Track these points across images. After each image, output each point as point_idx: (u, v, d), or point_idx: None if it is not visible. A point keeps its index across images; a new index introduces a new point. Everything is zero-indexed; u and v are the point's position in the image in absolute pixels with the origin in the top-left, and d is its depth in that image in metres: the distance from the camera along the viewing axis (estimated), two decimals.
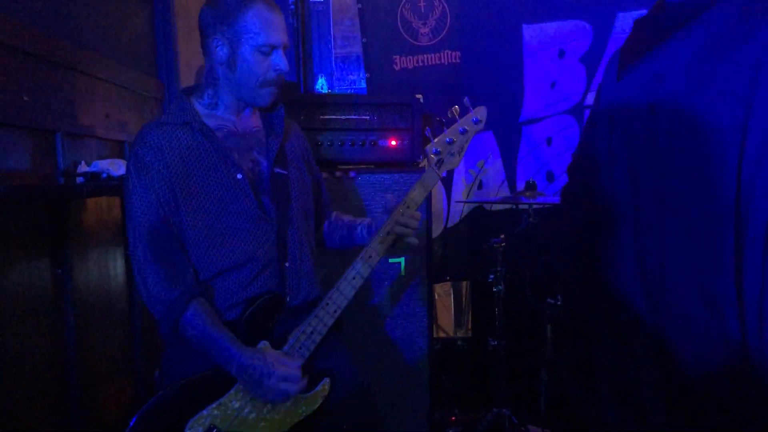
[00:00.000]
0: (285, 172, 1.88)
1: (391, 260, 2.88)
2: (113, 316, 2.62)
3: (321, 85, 3.82)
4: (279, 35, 1.79)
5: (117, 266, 2.64)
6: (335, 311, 1.81)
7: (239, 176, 1.79)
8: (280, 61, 1.80)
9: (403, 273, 2.89)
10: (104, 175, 2.33)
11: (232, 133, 1.84)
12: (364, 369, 2.73)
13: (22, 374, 1.97)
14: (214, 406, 1.71)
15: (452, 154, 1.85)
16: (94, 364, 2.42)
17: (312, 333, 1.79)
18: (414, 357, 2.89)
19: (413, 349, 2.90)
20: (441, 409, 3.43)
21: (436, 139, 1.85)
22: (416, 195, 1.83)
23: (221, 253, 1.77)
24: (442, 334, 4.06)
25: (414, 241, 1.84)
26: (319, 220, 2.15)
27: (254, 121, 1.91)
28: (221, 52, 1.78)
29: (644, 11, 3.60)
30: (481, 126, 1.86)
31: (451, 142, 1.84)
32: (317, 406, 1.80)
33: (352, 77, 3.88)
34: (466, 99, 1.85)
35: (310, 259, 1.94)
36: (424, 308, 2.90)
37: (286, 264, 1.83)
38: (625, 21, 3.68)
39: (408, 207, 1.82)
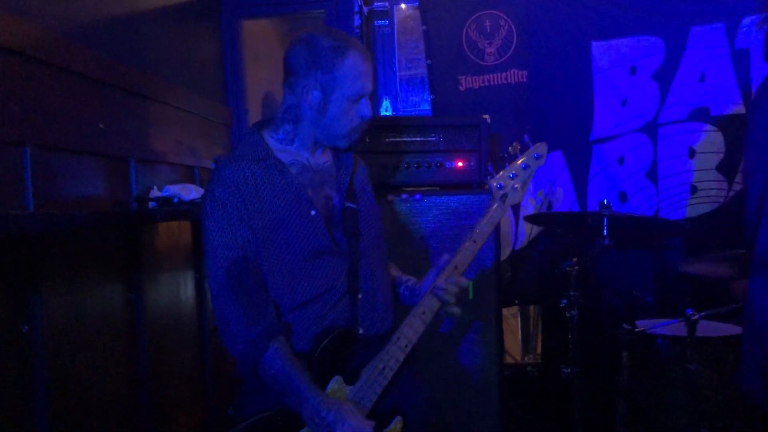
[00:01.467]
0: (355, 206, 1.88)
1: None
2: (184, 341, 2.64)
3: (386, 107, 3.82)
4: (370, 84, 1.81)
5: (188, 290, 2.67)
6: (406, 346, 1.79)
7: (313, 213, 1.79)
8: (366, 109, 1.82)
9: (471, 297, 2.83)
10: (175, 200, 2.37)
11: (305, 169, 1.84)
12: (434, 397, 2.69)
13: (96, 399, 1.99)
14: None
15: (515, 189, 1.90)
16: (166, 389, 2.44)
17: (384, 369, 1.77)
18: (484, 384, 2.81)
19: (483, 376, 2.82)
20: None
21: (498, 174, 1.90)
22: (483, 231, 1.87)
23: (297, 289, 1.76)
24: (510, 360, 3.96)
25: (457, 311, 1.85)
26: None
27: (326, 157, 1.92)
28: (312, 95, 1.78)
29: (720, 25, 3.51)
30: (542, 161, 1.92)
31: (514, 177, 1.90)
32: None
33: (415, 99, 3.87)
34: (525, 137, 1.96)
35: (384, 289, 1.92)
36: (494, 334, 2.82)
37: (359, 296, 1.82)
38: (699, 36, 3.54)
39: (456, 268, 1.84)
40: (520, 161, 1.89)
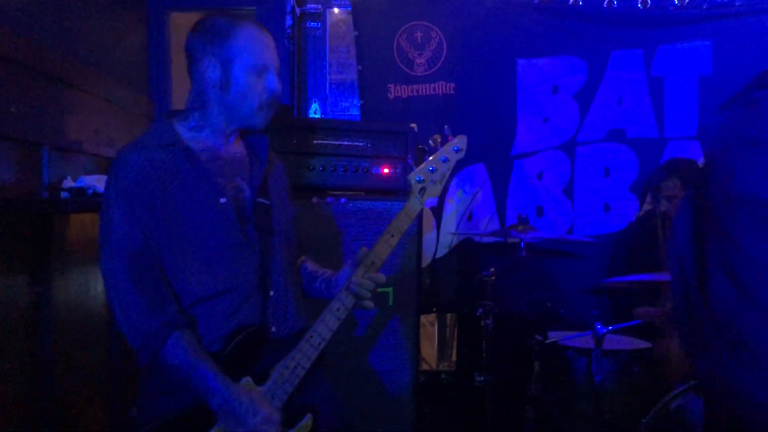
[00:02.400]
0: (268, 202, 1.84)
1: (379, 290, 2.83)
2: (92, 337, 2.54)
3: (314, 110, 3.80)
4: (272, 55, 1.78)
5: (98, 285, 2.57)
6: (319, 344, 1.76)
7: (223, 200, 1.73)
8: (274, 82, 1.78)
9: (390, 303, 2.84)
10: (90, 191, 2.28)
11: (216, 157, 1.79)
12: (348, 401, 2.68)
13: None
14: None
15: (434, 182, 1.87)
16: (70, 386, 2.34)
17: (296, 367, 1.73)
18: (399, 389, 2.82)
19: (398, 382, 2.83)
20: None
21: (418, 168, 1.87)
22: (400, 224, 1.83)
23: (202, 280, 1.70)
24: (425, 366, 4.00)
25: (369, 304, 1.82)
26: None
27: (238, 147, 1.87)
28: (213, 73, 1.74)
29: (639, 51, 3.68)
30: (461, 154, 1.89)
31: (433, 171, 1.86)
32: None
33: (345, 104, 3.87)
34: (446, 128, 1.90)
35: (295, 289, 1.89)
36: (411, 340, 2.85)
37: (271, 294, 1.78)
38: (619, 60, 3.71)
39: (374, 263, 1.81)
40: (440, 154, 1.86)
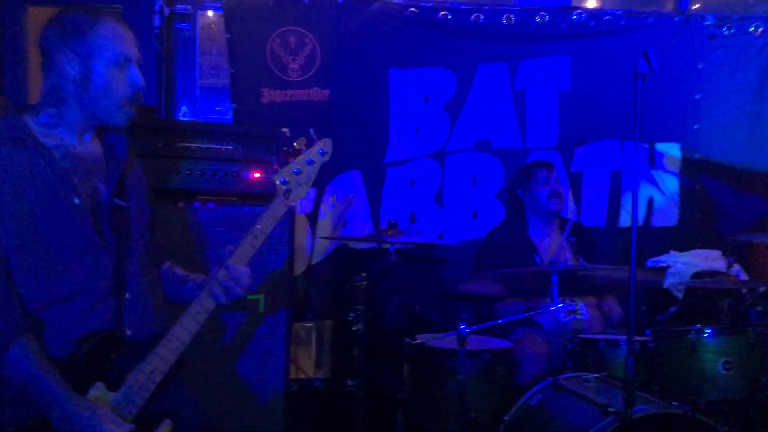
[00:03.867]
0: (125, 204, 1.80)
1: (249, 297, 2.78)
2: None
3: (183, 113, 3.69)
4: (133, 48, 1.76)
5: None
6: (177, 348, 1.72)
7: (77, 200, 1.68)
8: (138, 77, 1.76)
9: (261, 310, 2.80)
10: None
11: (71, 155, 1.73)
12: (215, 410, 2.61)
13: None
14: None
15: (300, 185, 1.88)
16: None
17: (152, 372, 1.69)
18: (268, 398, 2.79)
19: (268, 390, 2.79)
20: None
21: (283, 169, 1.88)
22: (265, 226, 1.83)
23: (53, 282, 1.64)
24: (301, 375, 3.97)
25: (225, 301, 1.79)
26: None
27: (95, 146, 1.81)
28: (72, 69, 1.69)
29: (504, 65, 3.86)
30: (327, 157, 1.91)
31: (298, 172, 1.87)
32: None
33: (218, 108, 3.79)
34: (311, 130, 1.92)
35: (153, 292, 1.85)
36: (282, 347, 2.82)
37: (126, 297, 1.73)
38: (485, 73, 3.86)
39: (242, 258, 1.79)
40: (305, 156, 1.87)
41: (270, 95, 3.62)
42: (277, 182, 1.85)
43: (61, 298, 1.64)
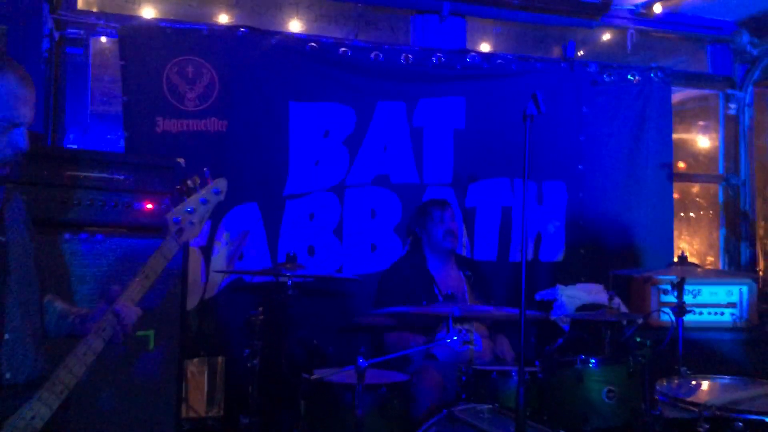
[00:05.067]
0: (3, 239, 1.72)
1: (139, 333, 2.67)
2: None
3: (72, 140, 3.53)
4: (27, 113, 1.67)
5: None
6: (62, 392, 1.63)
7: None
8: (21, 140, 1.67)
9: (151, 347, 2.70)
10: None
11: None
12: None
13: None
14: None
15: (192, 224, 1.88)
16: None
17: (33, 418, 1.59)
18: None
19: (158, 430, 2.68)
20: None
21: (176, 208, 1.87)
22: (156, 266, 1.80)
23: None
24: (193, 414, 3.82)
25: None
26: None
27: None
28: None
29: (402, 104, 3.96)
30: (221, 197, 1.93)
31: (192, 212, 1.87)
32: None
33: (110, 136, 3.66)
34: (205, 170, 1.92)
35: (34, 332, 1.76)
36: (173, 386, 2.72)
37: (6, 337, 1.65)
38: (384, 110, 3.94)
39: (131, 298, 1.76)
40: (199, 195, 1.87)
41: (165, 124, 3.52)
42: (170, 221, 1.84)
43: None
